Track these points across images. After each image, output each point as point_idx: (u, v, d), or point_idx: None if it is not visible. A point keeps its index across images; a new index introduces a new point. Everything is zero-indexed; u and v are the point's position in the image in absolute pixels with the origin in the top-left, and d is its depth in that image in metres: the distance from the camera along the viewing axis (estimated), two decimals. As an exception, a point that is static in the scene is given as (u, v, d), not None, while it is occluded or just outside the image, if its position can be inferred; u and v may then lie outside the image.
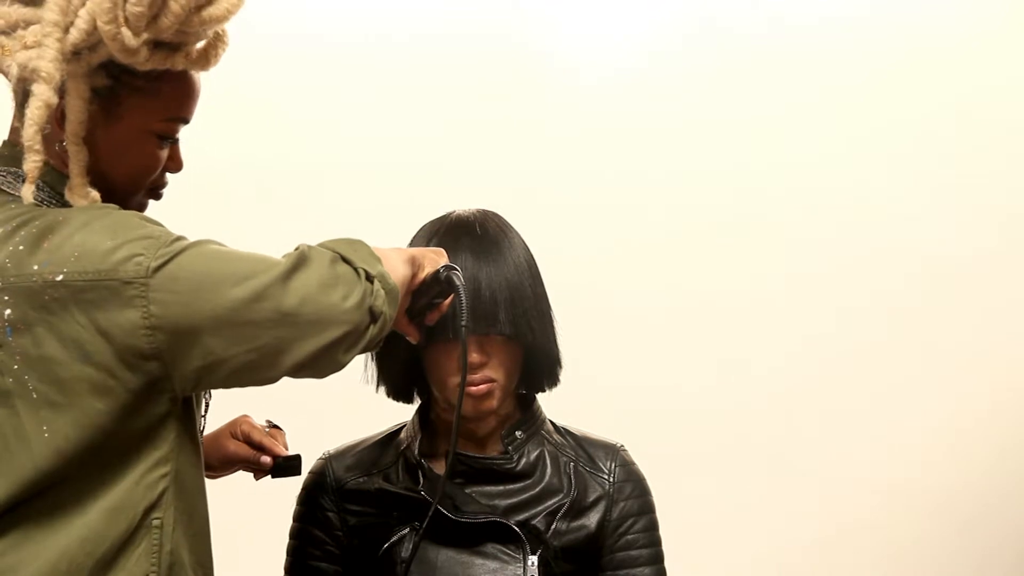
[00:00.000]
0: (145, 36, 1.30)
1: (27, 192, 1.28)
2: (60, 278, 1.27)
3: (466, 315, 1.45)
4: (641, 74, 3.09)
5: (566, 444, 1.66)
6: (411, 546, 1.54)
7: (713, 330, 3.10)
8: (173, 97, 1.41)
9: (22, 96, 1.34)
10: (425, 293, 1.47)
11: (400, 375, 1.63)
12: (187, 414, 1.37)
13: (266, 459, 1.64)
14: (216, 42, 1.42)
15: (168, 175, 1.48)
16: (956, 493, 3.17)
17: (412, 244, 1.61)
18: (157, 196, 1.49)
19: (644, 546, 1.63)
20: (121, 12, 1.28)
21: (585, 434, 1.70)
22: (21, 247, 1.30)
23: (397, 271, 1.40)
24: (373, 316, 1.30)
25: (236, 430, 1.67)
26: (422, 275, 1.45)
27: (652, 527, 1.65)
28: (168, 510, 1.33)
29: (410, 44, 2.99)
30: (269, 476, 1.65)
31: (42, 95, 1.26)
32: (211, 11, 1.35)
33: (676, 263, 3.08)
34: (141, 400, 1.30)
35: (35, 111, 1.26)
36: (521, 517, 1.57)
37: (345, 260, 1.32)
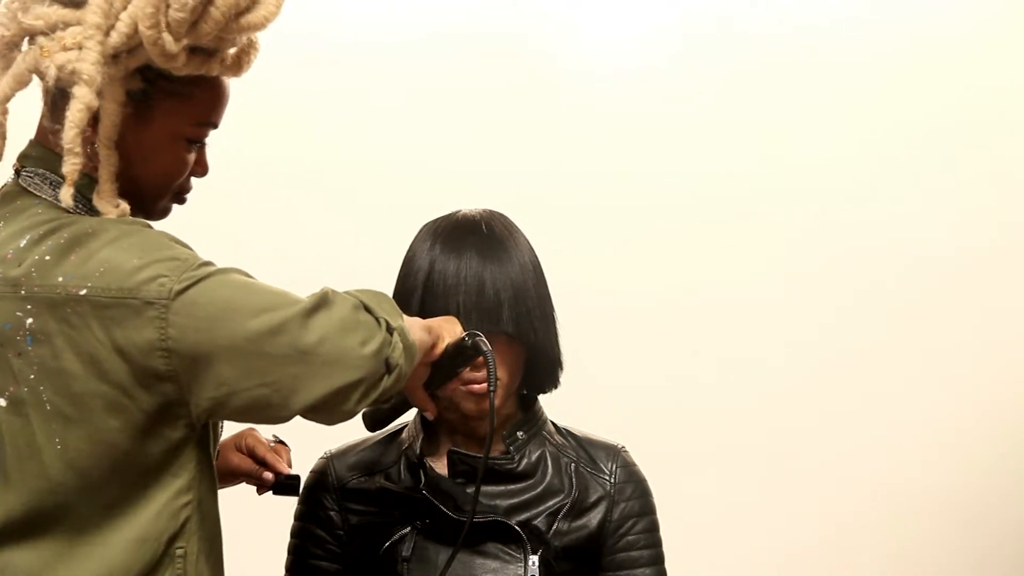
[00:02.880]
0: (185, 42, 1.31)
1: (66, 195, 1.27)
2: (83, 292, 1.26)
3: (493, 380, 1.46)
4: (650, 75, 3.08)
5: (567, 445, 1.66)
6: (411, 545, 1.55)
7: (714, 330, 3.10)
8: (205, 102, 1.42)
9: (57, 97, 1.34)
10: (447, 364, 1.47)
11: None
12: (205, 443, 1.37)
13: (268, 475, 1.62)
14: (249, 49, 1.43)
15: (193, 179, 1.48)
16: (956, 493, 3.17)
17: (415, 242, 1.61)
18: (182, 200, 1.49)
19: (644, 547, 1.63)
20: (163, 17, 1.28)
21: (586, 435, 1.70)
22: (48, 256, 1.29)
23: (416, 334, 1.38)
24: (389, 367, 1.29)
25: (241, 443, 1.65)
26: (442, 345, 1.45)
27: (653, 528, 1.65)
28: (191, 539, 1.34)
29: (420, 45, 2.99)
30: (270, 492, 1.65)
31: (83, 97, 1.26)
32: (249, 18, 1.35)
33: (679, 263, 3.08)
34: (156, 422, 1.29)
35: (76, 113, 1.25)
36: (522, 517, 1.57)
37: (367, 309, 1.31)
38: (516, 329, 1.53)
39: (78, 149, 1.26)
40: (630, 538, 1.62)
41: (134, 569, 1.30)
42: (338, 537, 1.63)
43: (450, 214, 1.63)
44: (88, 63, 1.25)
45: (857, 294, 3.14)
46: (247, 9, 1.35)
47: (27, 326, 1.28)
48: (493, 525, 1.55)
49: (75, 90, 1.26)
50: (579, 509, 1.60)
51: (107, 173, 1.34)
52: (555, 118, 3.04)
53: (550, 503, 1.59)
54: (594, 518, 1.61)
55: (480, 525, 1.54)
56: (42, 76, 1.31)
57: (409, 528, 1.56)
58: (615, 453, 1.67)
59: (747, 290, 3.11)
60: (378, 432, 1.68)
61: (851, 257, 3.13)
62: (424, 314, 1.51)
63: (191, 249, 1.33)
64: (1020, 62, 3.20)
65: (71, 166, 1.26)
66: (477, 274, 1.52)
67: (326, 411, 1.30)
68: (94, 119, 1.31)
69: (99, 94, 1.29)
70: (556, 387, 1.65)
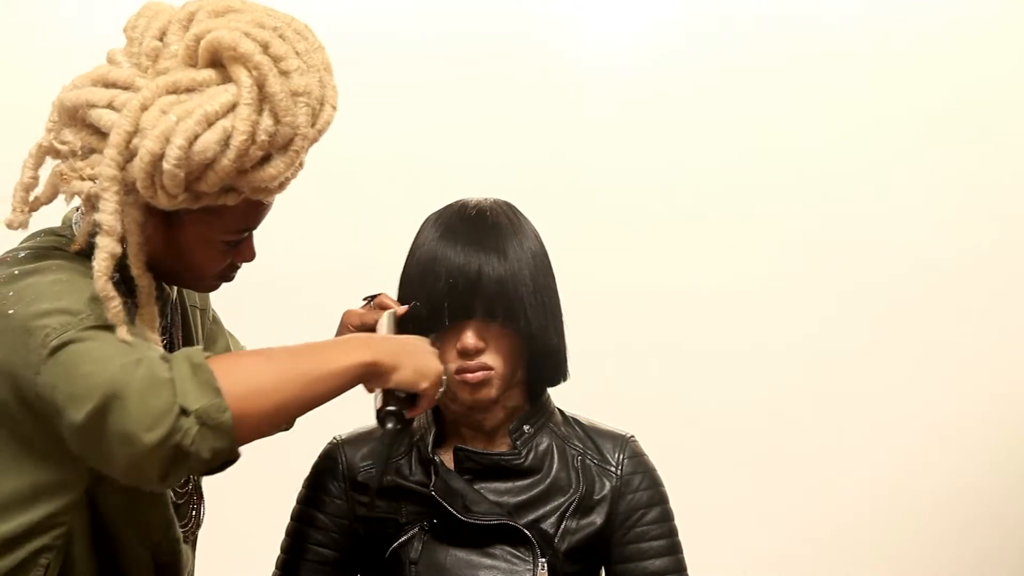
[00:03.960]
0: (183, 196, 1.33)
1: (123, 332, 1.31)
2: (11, 312, 1.33)
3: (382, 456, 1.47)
4: (652, 70, 3.11)
5: (574, 435, 1.64)
6: (420, 547, 1.54)
7: (714, 328, 3.10)
8: (237, 215, 1.42)
9: (88, 206, 1.38)
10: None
11: None
12: (98, 506, 1.41)
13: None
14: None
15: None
16: (956, 493, 3.17)
17: (420, 231, 1.61)
18: (229, 279, 1.53)
19: (655, 538, 1.61)
20: (158, 178, 1.31)
21: (594, 424, 1.69)
22: (16, 270, 1.39)
23: (291, 383, 1.34)
24: (181, 451, 1.26)
25: (347, 327, 1.66)
26: (388, 385, 1.42)
27: (664, 518, 1.63)
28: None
29: (426, 40, 3.01)
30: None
31: (106, 247, 1.31)
32: (260, 175, 1.36)
33: (682, 257, 3.09)
34: (44, 452, 1.36)
35: (101, 263, 1.31)
36: (530, 517, 1.56)
37: (174, 387, 1.27)
38: (511, 319, 1.53)
39: (112, 293, 1.31)
40: (639, 529, 1.61)
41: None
42: (342, 526, 1.61)
43: (455, 203, 1.62)
44: (108, 213, 1.31)
45: (858, 292, 3.14)
46: (258, 166, 1.35)
47: None
48: (501, 527, 1.54)
49: (98, 239, 1.32)
50: (586, 506, 1.59)
51: (144, 296, 1.41)
52: (563, 112, 3.06)
53: (557, 501, 1.58)
54: (601, 513, 1.60)
55: (488, 527, 1.53)
56: (67, 195, 1.39)
57: (417, 528, 1.56)
58: (623, 443, 1.65)
59: (748, 286, 3.11)
60: None
61: (853, 254, 3.13)
62: (428, 301, 1.52)
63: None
64: (1010, 56, 3.19)
65: (112, 311, 1.31)
66: (475, 263, 1.52)
67: (134, 483, 1.32)
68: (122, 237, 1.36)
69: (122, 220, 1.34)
70: (565, 379, 1.64)
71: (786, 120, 3.12)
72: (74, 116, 1.36)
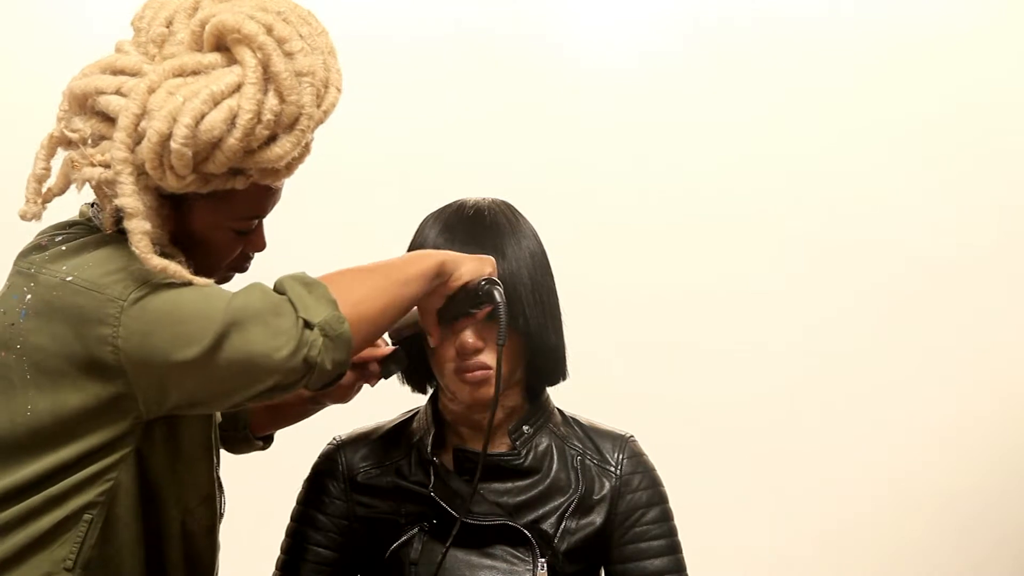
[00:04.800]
0: (191, 177, 1.35)
1: (200, 280, 1.37)
2: (69, 279, 1.36)
3: (503, 332, 1.47)
4: (651, 70, 3.11)
5: (573, 435, 1.64)
6: (420, 548, 1.54)
7: (714, 325, 3.10)
8: (245, 200, 1.44)
9: (101, 194, 1.41)
10: (460, 301, 1.49)
11: (415, 361, 1.62)
12: (145, 461, 1.42)
13: (373, 367, 1.65)
14: (296, 155, 1.42)
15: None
16: (956, 493, 3.17)
17: (419, 231, 1.61)
18: (242, 270, 1.55)
19: (655, 537, 1.60)
20: (167, 159, 1.32)
21: (594, 424, 1.68)
22: (63, 247, 1.42)
23: (415, 267, 1.43)
24: (309, 365, 1.32)
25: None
26: (459, 281, 1.48)
27: (664, 518, 1.62)
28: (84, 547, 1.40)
29: (425, 40, 3.01)
30: (383, 379, 1.67)
31: (138, 228, 1.33)
32: (266, 154, 1.37)
33: (684, 257, 3.09)
34: (108, 410, 1.36)
35: (140, 244, 1.33)
36: (530, 517, 1.56)
37: (293, 304, 1.33)
38: (509, 318, 1.51)
39: (166, 262, 1.34)
40: (638, 529, 1.60)
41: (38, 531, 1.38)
42: (342, 527, 1.62)
43: (454, 202, 1.62)
44: (127, 196, 1.33)
45: (858, 292, 3.14)
46: (265, 145, 1.37)
47: (26, 301, 1.38)
48: (501, 527, 1.54)
49: (127, 223, 1.34)
50: (586, 506, 1.59)
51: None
52: (563, 112, 3.06)
53: (556, 501, 1.58)
54: (601, 513, 1.59)
55: (488, 527, 1.53)
56: (78, 185, 1.41)
57: (417, 529, 1.56)
58: (622, 443, 1.65)
59: (748, 286, 3.11)
60: (388, 420, 1.68)
61: (854, 253, 3.13)
62: (424, 301, 1.52)
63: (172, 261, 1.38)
64: (1007, 55, 3.19)
65: (175, 272, 1.34)
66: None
67: (257, 403, 1.39)
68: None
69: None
70: (564, 378, 1.64)
71: (786, 120, 3.13)
72: (83, 104, 1.38)
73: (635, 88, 3.09)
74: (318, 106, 1.39)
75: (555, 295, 1.61)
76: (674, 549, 1.63)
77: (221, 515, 1.61)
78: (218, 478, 1.61)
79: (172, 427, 1.44)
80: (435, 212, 1.62)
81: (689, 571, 1.64)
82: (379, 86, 2.94)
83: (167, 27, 1.40)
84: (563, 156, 3.05)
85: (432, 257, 1.47)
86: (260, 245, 1.54)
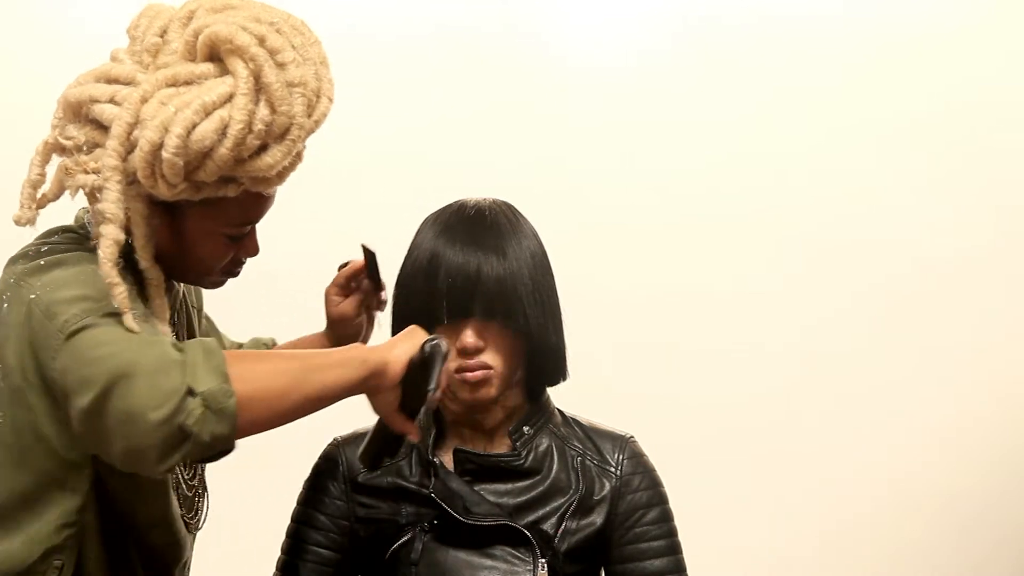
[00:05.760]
0: (183, 186, 1.37)
1: (129, 320, 1.35)
2: (33, 297, 1.39)
3: (434, 383, 1.45)
4: (645, 70, 3.12)
5: (573, 436, 1.64)
6: (420, 548, 1.54)
7: (713, 327, 3.10)
8: (237, 207, 1.47)
9: (94, 200, 1.43)
10: (415, 378, 1.45)
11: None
12: (105, 487, 1.44)
13: (365, 283, 1.74)
14: (286, 164, 1.44)
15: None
16: (956, 493, 3.17)
17: (419, 232, 1.61)
18: (234, 275, 1.58)
19: (655, 538, 1.61)
20: (158, 168, 1.35)
21: (594, 424, 1.69)
22: (42, 261, 1.43)
23: (330, 373, 1.40)
24: (184, 433, 1.28)
25: (330, 296, 1.81)
26: (397, 366, 1.44)
27: (664, 519, 1.63)
28: (71, 556, 1.43)
29: (423, 39, 3.01)
30: (377, 288, 1.75)
31: (109, 234, 1.36)
32: (258, 163, 1.39)
33: (680, 258, 3.09)
34: (61, 435, 1.39)
35: (106, 249, 1.35)
36: (530, 518, 1.56)
37: (184, 368, 1.30)
38: (510, 318, 1.53)
39: (117, 280, 1.35)
40: (638, 530, 1.61)
41: (17, 564, 1.40)
42: (342, 527, 1.62)
43: (454, 203, 1.62)
44: (110, 202, 1.35)
45: (857, 292, 3.14)
46: (255, 155, 1.39)
47: (2, 310, 1.42)
48: (501, 528, 1.54)
49: (102, 228, 1.36)
50: (586, 506, 1.59)
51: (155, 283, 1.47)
52: (563, 111, 3.06)
53: (557, 502, 1.58)
54: (601, 513, 1.60)
55: (488, 528, 1.53)
56: (72, 191, 1.43)
57: (417, 529, 1.56)
58: (623, 443, 1.65)
59: (746, 286, 3.11)
60: None
61: (851, 254, 3.14)
62: (426, 302, 1.52)
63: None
64: (1002, 52, 3.19)
65: (118, 296, 1.34)
66: (474, 262, 1.52)
67: (132, 467, 1.34)
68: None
69: (126, 211, 1.39)
70: (565, 379, 1.64)
71: (777, 119, 3.13)
72: (78, 112, 1.40)
73: (624, 87, 3.09)
74: (309, 116, 1.41)
75: (555, 295, 1.61)
76: (674, 549, 1.63)
77: (204, 517, 1.67)
78: (202, 480, 1.62)
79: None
80: (435, 213, 1.62)
81: (689, 571, 1.64)
82: (365, 84, 2.94)
83: (161, 37, 1.42)
84: (551, 155, 3.05)
85: (356, 350, 1.44)
86: (253, 250, 1.56)
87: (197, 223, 1.46)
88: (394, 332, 1.60)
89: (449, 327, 1.53)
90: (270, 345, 1.92)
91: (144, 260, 1.44)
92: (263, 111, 1.36)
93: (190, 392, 1.28)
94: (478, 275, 1.52)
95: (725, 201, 3.10)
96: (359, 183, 2.97)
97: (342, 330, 1.81)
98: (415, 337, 1.47)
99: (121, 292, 1.34)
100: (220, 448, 1.33)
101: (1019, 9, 3.19)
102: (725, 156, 3.11)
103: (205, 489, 1.67)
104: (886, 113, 3.14)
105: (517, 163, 3.00)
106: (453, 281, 1.52)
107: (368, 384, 1.43)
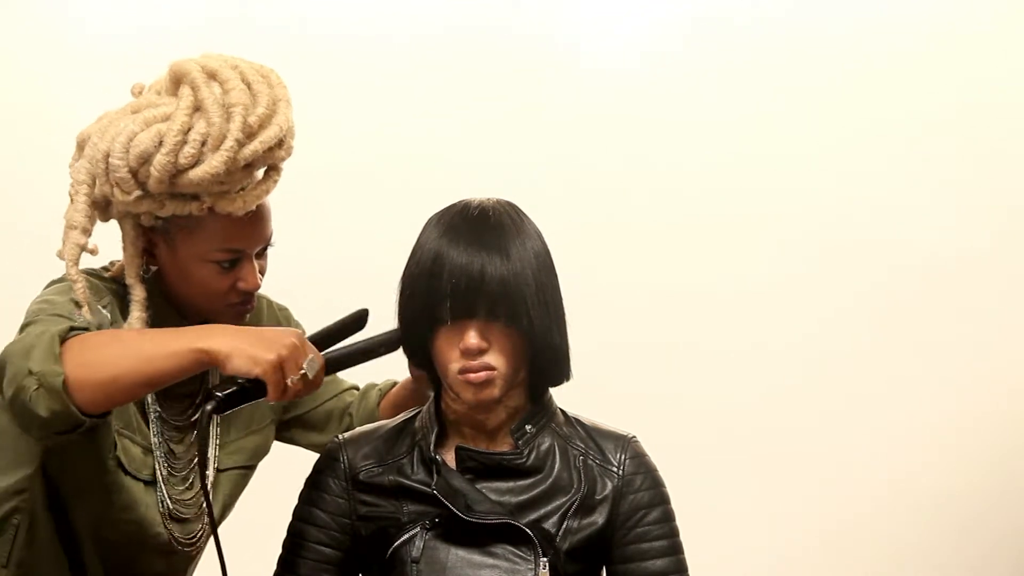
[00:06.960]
0: (137, 193, 1.54)
1: (86, 313, 1.55)
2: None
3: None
4: (653, 70, 3.12)
5: (576, 435, 1.64)
6: (421, 546, 1.54)
7: (715, 327, 3.10)
8: (218, 231, 1.61)
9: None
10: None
11: (420, 360, 1.63)
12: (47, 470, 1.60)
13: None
14: (247, 187, 1.61)
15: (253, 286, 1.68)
16: (956, 493, 3.18)
17: (423, 232, 1.61)
18: (244, 309, 1.69)
19: (657, 538, 1.61)
20: (111, 174, 1.54)
21: (596, 424, 1.68)
22: (54, 279, 1.65)
23: (128, 357, 1.49)
24: (27, 408, 1.44)
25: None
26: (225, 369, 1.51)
27: (666, 519, 1.63)
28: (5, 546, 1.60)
29: (429, 40, 3.02)
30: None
31: (71, 239, 1.58)
32: (195, 173, 1.54)
33: (684, 259, 3.10)
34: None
35: (69, 252, 1.57)
36: (532, 516, 1.56)
37: (30, 352, 1.46)
38: (513, 319, 1.52)
39: (78, 277, 1.56)
40: (640, 530, 1.61)
41: None
42: (343, 525, 1.62)
43: (458, 203, 1.62)
44: (75, 211, 1.58)
45: (858, 292, 3.14)
46: (189, 166, 1.54)
47: None
48: (503, 526, 1.54)
49: (66, 234, 1.57)
50: (588, 506, 1.59)
51: (137, 302, 1.63)
52: (565, 112, 3.07)
53: (559, 500, 1.58)
54: (602, 513, 1.60)
55: (490, 526, 1.54)
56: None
57: (419, 527, 1.56)
58: (625, 443, 1.65)
59: (749, 286, 3.11)
60: (391, 420, 1.69)
61: (853, 254, 3.14)
62: (430, 303, 1.52)
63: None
64: (1007, 55, 3.20)
65: (79, 291, 1.55)
66: (477, 263, 1.51)
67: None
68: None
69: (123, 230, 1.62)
70: (568, 379, 1.64)
71: (788, 120, 3.13)
72: (82, 149, 1.61)
73: (635, 87, 3.09)
74: (249, 135, 1.54)
75: (559, 295, 1.61)
76: (676, 550, 1.63)
77: (202, 547, 1.75)
78: (204, 488, 1.64)
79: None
80: (439, 213, 1.61)
81: (690, 571, 1.64)
82: (378, 86, 2.95)
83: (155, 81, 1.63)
84: (559, 155, 3.06)
85: (199, 340, 1.49)
86: (251, 283, 1.66)
87: (184, 248, 1.62)
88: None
89: (452, 327, 1.53)
90: (384, 391, 1.97)
91: (129, 277, 1.61)
92: (199, 124, 1.53)
93: (30, 372, 1.44)
94: (482, 276, 1.51)
95: (731, 202, 3.10)
96: (370, 183, 2.97)
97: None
98: (267, 353, 1.49)
99: (81, 287, 1.54)
100: (68, 422, 1.45)
101: (1021, 10, 3.20)
102: (731, 157, 3.11)
103: (212, 515, 1.63)
104: (891, 115, 3.15)
105: (524, 163, 3.00)
106: (457, 282, 1.51)
107: (201, 367, 1.51)
